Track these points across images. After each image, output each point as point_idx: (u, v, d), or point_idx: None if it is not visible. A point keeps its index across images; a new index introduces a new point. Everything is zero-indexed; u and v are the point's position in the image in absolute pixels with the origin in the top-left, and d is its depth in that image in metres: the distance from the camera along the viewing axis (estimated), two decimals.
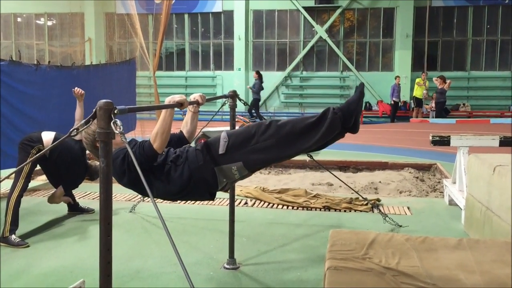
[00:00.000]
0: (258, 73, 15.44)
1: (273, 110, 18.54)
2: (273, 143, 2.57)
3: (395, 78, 16.55)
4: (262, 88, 15.50)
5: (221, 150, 2.62)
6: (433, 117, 16.10)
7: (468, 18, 17.93)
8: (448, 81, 15.40)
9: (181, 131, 3.05)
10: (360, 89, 2.70)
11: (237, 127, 4.17)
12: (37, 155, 1.92)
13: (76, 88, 4.80)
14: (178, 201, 3.42)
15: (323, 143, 2.68)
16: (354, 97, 2.66)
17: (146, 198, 4.84)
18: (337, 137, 2.72)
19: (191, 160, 2.66)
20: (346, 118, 2.59)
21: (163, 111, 2.62)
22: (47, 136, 4.51)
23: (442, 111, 15.92)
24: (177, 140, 3.00)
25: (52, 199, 4.75)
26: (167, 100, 2.62)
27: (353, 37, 18.64)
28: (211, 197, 2.80)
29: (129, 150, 1.84)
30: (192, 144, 2.99)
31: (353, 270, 2.33)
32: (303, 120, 2.60)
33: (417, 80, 16.39)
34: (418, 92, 16.16)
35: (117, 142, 2.71)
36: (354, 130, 2.67)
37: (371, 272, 2.31)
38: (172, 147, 2.91)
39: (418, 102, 16.34)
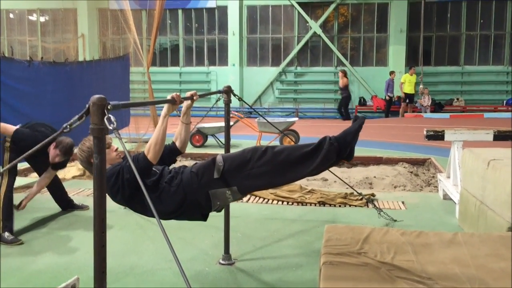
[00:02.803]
0: None
1: (267, 106, 18.50)
2: (268, 169, 2.60)
3: (390, 74, 16.56)
4: None
5: (216, 174, 2.65)
6: (426, 112, 16.15)
7: (461, 12, 17.95)
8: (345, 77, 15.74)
9: (173, 143, 3.06)
10: (360, 123, 2.70)
11: (231, 123, 4.18)
12: (32, 151, 1.90)
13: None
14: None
15: (317, 172, 2.71)
16: (352, 129, 2.66)
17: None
18: (332, 165, 2.74)
19: (186, 183, 2.68)
20: (342, 149, 2.61)
21: (159, 122, 2.65)
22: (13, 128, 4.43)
23: (347, 106, 16.14)
24: (169, 152, 3.01)
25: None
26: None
27: (347, 32, 18.62)
28: (204, 218, 2.84)
29: (129, 159, 1.89)
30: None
31: (348, 265, 2.33)
32: (299, 149, 2.63)
33: (403, 77, 16.32)
34: (408, 88, 16.14)
35: (110, 158, 2.74)
36: (348, 158, 2.69)
37: (367, 266, 2.32)
38: (164, 159, 2.91)
39: (409, 98, 16.32)
